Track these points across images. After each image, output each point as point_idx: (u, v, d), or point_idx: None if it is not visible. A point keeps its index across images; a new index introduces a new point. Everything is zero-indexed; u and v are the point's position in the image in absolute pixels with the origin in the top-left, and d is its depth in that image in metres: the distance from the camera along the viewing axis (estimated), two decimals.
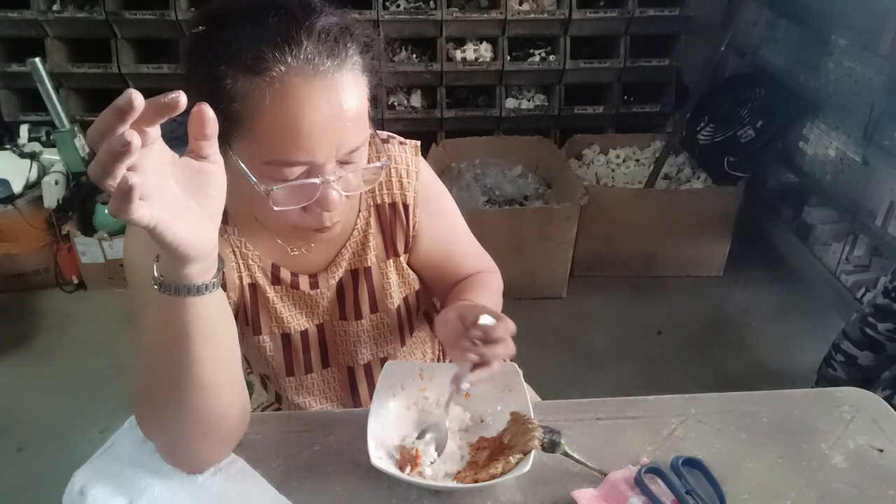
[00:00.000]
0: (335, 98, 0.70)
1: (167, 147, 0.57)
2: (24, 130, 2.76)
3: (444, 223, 1.00)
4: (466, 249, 1.05)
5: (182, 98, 0.51)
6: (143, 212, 0.52)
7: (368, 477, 0.80)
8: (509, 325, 0.81)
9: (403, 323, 1.02)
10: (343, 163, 0.75)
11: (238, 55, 0.68)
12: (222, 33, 0.70)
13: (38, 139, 2.76)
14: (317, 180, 0.73)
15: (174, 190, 0.57)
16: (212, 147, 0.58)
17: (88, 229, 2.56)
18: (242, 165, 0.72)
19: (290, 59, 0.68)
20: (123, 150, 0.48)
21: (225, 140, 0.72)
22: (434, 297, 1.11)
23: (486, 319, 0.80)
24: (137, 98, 0.48)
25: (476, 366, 0.80)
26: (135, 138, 0.49)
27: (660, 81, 3.13)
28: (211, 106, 0.69)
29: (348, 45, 0.72)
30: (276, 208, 0.73)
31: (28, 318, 2.50)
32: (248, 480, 0.79)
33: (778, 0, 2.84)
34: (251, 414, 0.82)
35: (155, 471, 0.78)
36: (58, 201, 2.53)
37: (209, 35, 0.71)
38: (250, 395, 0.84)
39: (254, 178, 0.72)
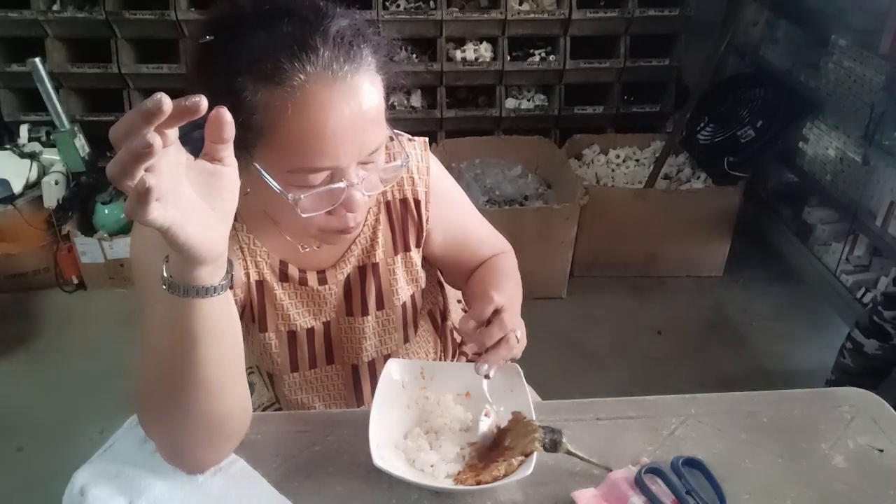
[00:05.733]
0: (355, 101, 0.71)
1: (183, 149, 0.57)
2: (24, 130, 2.76)
3: (455, 214, 1.02)
4: (479, 234, 1.07)
5: (203, 102, 0.51)
6: (157, 213, 0.52)
7: (368, 477, 0.80)
8: (504, 325, 0.82)
9: (408, 320, 1.03)
10: (364, 163, 0.76)
11: (255, 65, 0.68)
12: (235, 42, 0.69)
13: (38, 139, 2.76)
14: (341, 184, 0.74)
15: (188, 192, 0.57)
16: (227, 150, 0.58)
17: (88, 229, 2.56)
18: (267, 176, 0.72)
19: (308, 67, 0.68)
20: (146, 151, 0.49)
21: (245, 151, 0.72)
22: (452, 284, 1.14)
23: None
24: (167, 102, 0.48)
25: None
26: (157, 140, 0.49)
27: (660, 81, 3.13)
28: None
29: (362, 46, 0.72)
30: (304, 215, 0.74)
31: (28, 318, 2.49)
32: (248, 480, 0.79)
33: (778, 0, 2.84)
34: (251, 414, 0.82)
35: (155, 471, 0.78)
36: (58, 201, 2.53)
37: (221, 44, 0.70)
38: (251, 395, 0.84)
39: (279, 188, 0.72)
